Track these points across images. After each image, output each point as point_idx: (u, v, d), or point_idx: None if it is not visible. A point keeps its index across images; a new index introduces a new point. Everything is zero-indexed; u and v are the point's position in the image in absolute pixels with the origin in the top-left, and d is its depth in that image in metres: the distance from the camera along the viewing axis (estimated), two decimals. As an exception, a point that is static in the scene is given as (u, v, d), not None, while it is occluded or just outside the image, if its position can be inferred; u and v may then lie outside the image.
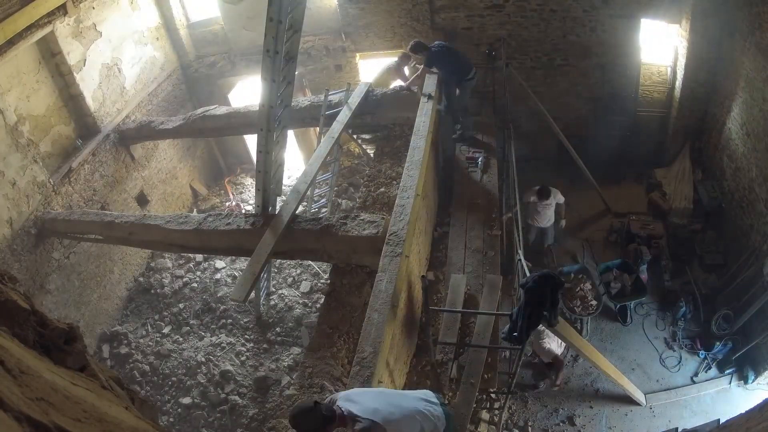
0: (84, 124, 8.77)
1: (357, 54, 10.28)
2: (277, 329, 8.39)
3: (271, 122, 5.67)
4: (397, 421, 3.41)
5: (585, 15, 8.82)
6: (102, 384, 1.69)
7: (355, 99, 7.92)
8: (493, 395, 6.54)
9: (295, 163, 11.75)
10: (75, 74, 8.25)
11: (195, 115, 9.17)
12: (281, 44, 5.06)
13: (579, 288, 7.77)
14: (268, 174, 6.10)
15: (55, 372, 1.45)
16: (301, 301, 8.68)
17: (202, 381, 7.82)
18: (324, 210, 8.55)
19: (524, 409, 7.30)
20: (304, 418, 3.21)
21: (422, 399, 3.70)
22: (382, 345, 4.25)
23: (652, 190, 9.39)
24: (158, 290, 9.31)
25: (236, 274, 9.33)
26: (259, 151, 5.93)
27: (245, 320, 8.60)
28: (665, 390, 7.29)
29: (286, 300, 8.70)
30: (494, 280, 6.14)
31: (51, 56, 8.10)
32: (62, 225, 7.62)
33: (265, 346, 8.23)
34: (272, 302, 8.69)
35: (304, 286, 8.92)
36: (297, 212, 6.45)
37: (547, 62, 9.52)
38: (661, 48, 9.14)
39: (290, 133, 10.83)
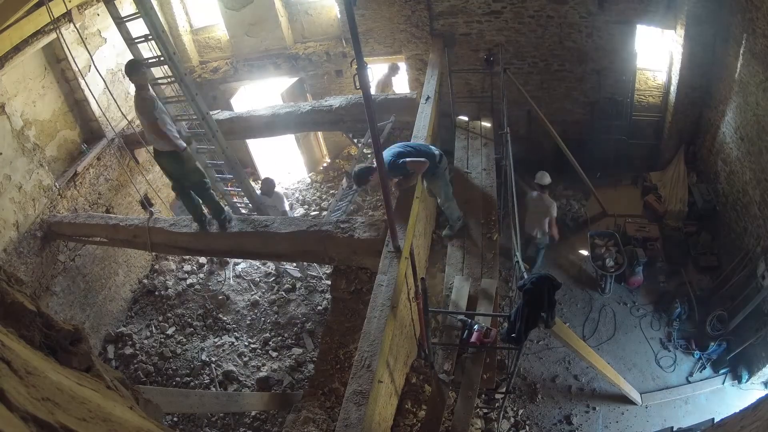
0: (89, 128, 8.90)
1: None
2: (279, 330, 8.50)
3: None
4: None
5: (581, 21, 8.89)
6: (107, 384, 1.72)
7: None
8: (492, 395, 6.65)
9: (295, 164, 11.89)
10: (80, 80, 8.32)
11: (198, 119, 9.25)
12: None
13: (605, 250, 8.49)
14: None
15: (61, 372, 1.47)
16: (302, 303, 8.79)
17: (206, 381, 7.95)
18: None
19: (522, 409, 7.39)
20: None
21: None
22: (382, 345, 4.31)
23: (647, 193, 9.45)
24: (162, 292, 9.42)
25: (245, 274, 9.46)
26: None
27: (247, 320, 8.73)
28: (661, 389, 7.37)
29: (287, 301, 8.81)
30: (490, 284, 6.23)
31: (56, 62, 8.23)
32: (68, 228, 7.72)
33: (267, 347, 8.36)
34: (273, 301, 8.81)
35: (306, 288, 9.03)
36: (298, 215, 6.54)
37: (545, 67, 9.58)
38: (656, 53, 9.18)
39: (291, 136, 10.97)
